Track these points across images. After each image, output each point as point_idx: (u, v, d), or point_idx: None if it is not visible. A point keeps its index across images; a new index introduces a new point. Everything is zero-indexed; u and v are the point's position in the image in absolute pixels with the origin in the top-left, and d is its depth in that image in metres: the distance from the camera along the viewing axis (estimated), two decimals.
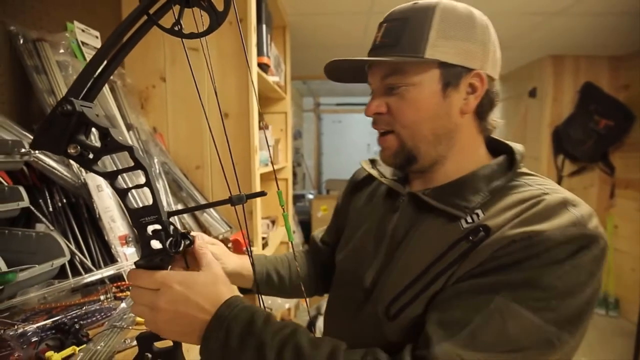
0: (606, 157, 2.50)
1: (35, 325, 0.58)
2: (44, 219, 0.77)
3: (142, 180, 0.41)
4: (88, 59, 0.99)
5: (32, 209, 0.75)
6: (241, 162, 1.20)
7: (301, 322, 2.31)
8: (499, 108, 0.56)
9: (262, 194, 0.45)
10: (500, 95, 0.54)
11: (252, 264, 0.50)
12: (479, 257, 0.44)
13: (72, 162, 0.83)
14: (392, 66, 0.51)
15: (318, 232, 0.85)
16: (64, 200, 0.82)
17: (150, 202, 0.42)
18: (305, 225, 3.45)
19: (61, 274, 0.72)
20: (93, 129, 0.41)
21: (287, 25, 1.79)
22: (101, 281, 0.73)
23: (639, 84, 2.35)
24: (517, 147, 0.53)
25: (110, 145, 0.40)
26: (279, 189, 0.42)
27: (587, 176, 2.57)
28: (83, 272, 0.74)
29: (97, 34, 1.06)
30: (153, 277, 0.42)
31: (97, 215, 0.81)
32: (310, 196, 4.23)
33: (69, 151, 0.40)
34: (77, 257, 0.76)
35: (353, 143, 5.06)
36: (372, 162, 0.69)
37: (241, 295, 0.45)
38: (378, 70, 0.53)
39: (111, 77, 1.10)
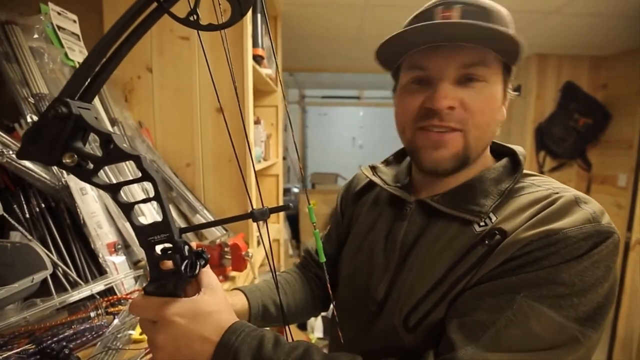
0: (584, 154, 2.59)
1: (15, 351, 0.51)
2: (19, 227, 0.68)
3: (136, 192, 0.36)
4: (66, 46, 0.89)
5: (6, 215, 0.66)
6: (235, 159, 1.14)
7: None
8: None
9: (285, 207, 0.41)
10: None
11: (277, 288, 0.45)
12: (497, 260, 0.43)
13: None
14: (480, 55, 0.45)
15: (313, 243, 0.78)
16: (42, 205, 0.73)
17: (147, 218, 0.36)
18: (293, 219, 3.40)
19: (42, 288, 0.65)
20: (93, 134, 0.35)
21: (279, 15, 1.71)
22: (90, 295, 0.66)
23: (617, 84, 2.43)
24: (519, 149, 0.53)
25: (114, 153, 0.34)
26: (310, 204, 0.37)
27: (566, 172, 2.65)
28: (68, 286, 0.67)
29: (75, 17, 0.96)
30: (151, 308, 0.37)
31: (82, 221, 0.73)
32: (296, 190, 4.18)
33: (64, 161, 0.34)
34: (60, 268, 0.68)
35: (339, 136, 5.02)
36: (373, 168, 0.66)
37: (246, 321, 0.41)
38: (461, 55, 0.45)
39: None
